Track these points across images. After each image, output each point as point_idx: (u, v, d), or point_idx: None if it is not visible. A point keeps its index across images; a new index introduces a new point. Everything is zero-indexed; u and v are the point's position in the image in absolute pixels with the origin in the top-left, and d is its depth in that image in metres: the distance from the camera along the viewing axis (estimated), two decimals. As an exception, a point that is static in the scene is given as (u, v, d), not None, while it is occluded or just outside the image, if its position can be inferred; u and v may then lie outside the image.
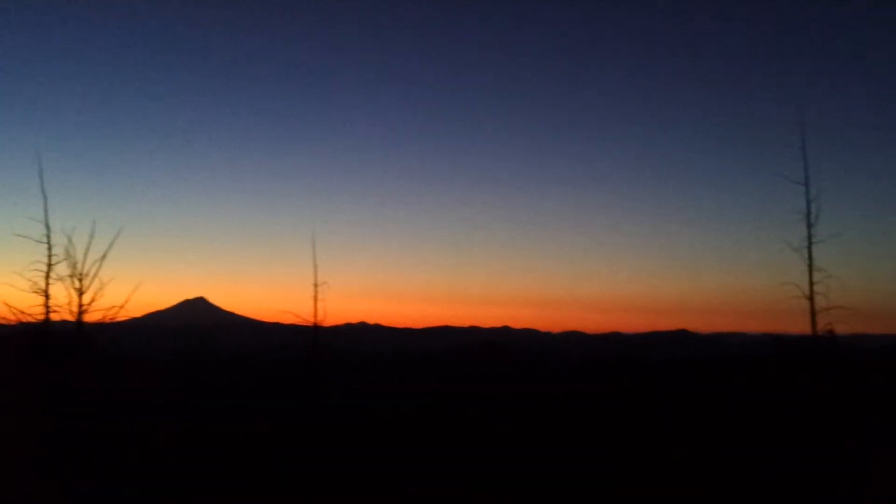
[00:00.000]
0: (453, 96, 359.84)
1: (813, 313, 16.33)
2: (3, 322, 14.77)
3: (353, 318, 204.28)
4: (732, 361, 47.81)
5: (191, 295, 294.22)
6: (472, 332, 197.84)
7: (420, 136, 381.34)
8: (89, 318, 15.14)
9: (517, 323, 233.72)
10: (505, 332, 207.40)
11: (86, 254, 14.96)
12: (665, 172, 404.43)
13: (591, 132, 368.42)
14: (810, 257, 16.60)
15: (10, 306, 14.61)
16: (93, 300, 15.06)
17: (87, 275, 14.96)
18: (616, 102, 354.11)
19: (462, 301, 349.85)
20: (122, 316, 15.60)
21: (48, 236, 14.83)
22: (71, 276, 14.88)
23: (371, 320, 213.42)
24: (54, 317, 14.88)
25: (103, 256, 15.07)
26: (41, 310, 14.71)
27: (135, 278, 18.50)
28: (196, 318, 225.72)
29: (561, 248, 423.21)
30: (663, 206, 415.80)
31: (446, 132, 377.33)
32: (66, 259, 14.85)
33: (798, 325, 16.46)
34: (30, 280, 14.66)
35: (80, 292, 14.95)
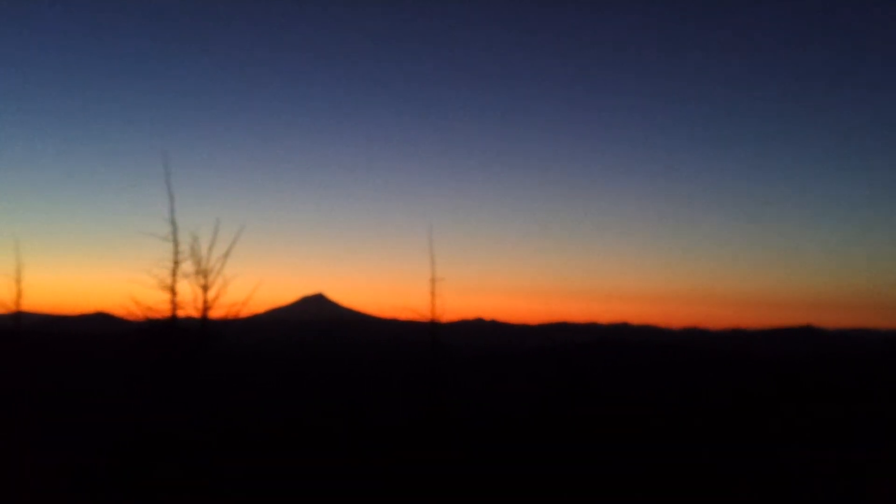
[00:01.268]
0: (574, 93, 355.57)
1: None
2: (132, 318, 15.13)
3: (470, 314, 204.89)
4: (873, 358, 44.91)
5: (310, 291, 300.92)
6: (590, 328, 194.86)
7: (537, 132, 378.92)
8: (213, 314, 15.34)
9: (636, 319, 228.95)
10: (623, 328, 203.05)
11: (210, 251, 15.16)
12: (790, 167, 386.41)
13: (721, 124, 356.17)
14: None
15: (138, 303, 14.99)
16: (217, 297, 15.26)
17: (211, 272, 15.16)
18: (746, 95, 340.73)
19: (579, 297, 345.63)
20: (245, 312, 15.77)
21: (174, 234, 15.06)
22: (196, 273, 15.10)
23: (487, 317, 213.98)
24: (180, 313, 15.12)
25: (226, 254, 15.27)
26: (168, 306, 14.96)
27: (256, 275, 18.70)
28: (315, 314, 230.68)
29: (681, 243, 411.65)
30: (789, 199, 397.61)
31: (565, 126, 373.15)
32: (191, 256, 15.08)
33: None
34: (157, 277, 14.93)
35: (205, 289, 15.15)
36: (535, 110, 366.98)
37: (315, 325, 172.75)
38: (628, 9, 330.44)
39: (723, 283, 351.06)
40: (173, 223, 15.07)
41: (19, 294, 17.97)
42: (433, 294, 18.97)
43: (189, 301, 15.13)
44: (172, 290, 14.91)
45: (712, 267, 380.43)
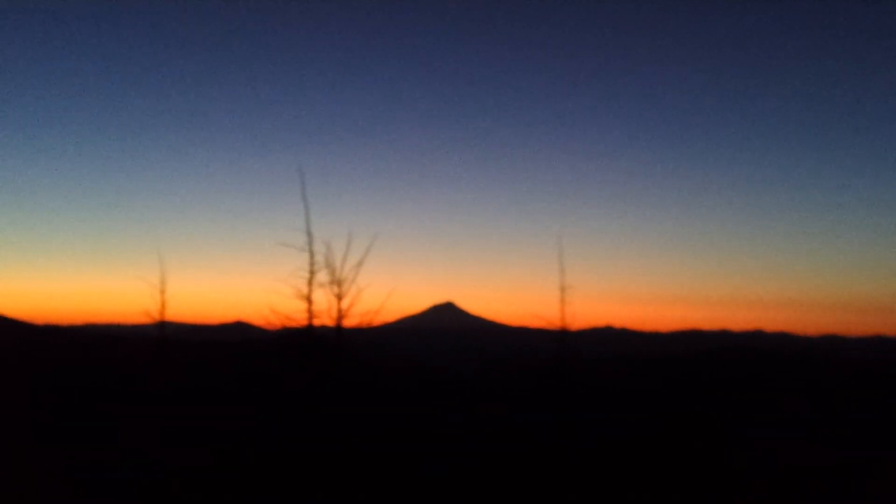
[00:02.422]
0: (707, 97, 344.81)
1: None
2: (270, 327, 15.61)
3: (599, 321, 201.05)
4: None
5: (440, 300, 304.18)
6: (722, 335, 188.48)
7: (667, 136, 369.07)
8: (347, 322, 15.60)
9: (770, 326, 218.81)
10: (757, 335, 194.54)
11: (343, 261, 15.45)
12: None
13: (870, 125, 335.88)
14: None
15: (276, 312, 15.44)
16: (350, 306, 15.51)
17: (344, 281, 15.42)
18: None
19: (711, 303, 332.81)
20: (377, 321, 15.99)
21: (310, 245, 15.41)
22: (330, 282, 15.40)
23: (617, 324, 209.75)
24: (316, 322, 15.45)
25: (359, 263, 15.50)
26: (305, 315, 15.35)
27: (387, 283, 18.93)
28: (445, 322, 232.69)
29: (820, 247, 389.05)
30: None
31: (693, 129, 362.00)
32: (325, 266, 15.39)
33: None
34: (293, 287, 15.34)
35: (339, 298, 15.43)
36: (667, 114, 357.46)
37: (445, 333, 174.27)
38: None
39: (864, 288, 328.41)
40: (309, 234, 15.45)
41: (164, 304, 18.86)
42: (562, 302, 18.70)
43: (324, 310, 15.47)
44: (309, 300, 15.28)
45: (853, 272, 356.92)
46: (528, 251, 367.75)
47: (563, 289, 18.62)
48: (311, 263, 15.33)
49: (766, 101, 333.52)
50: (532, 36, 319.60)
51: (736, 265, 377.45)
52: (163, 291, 18.86)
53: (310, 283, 15.29)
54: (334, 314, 15.45)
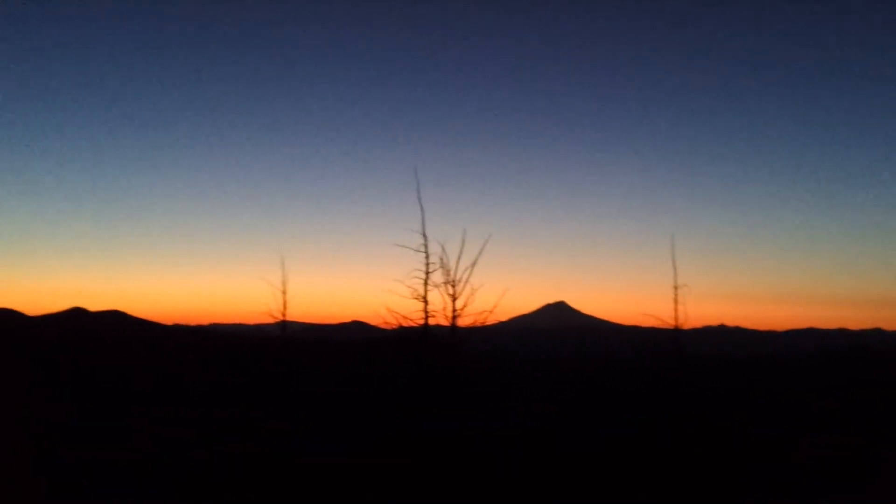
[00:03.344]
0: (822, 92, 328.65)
1: None
2: (387, 326, 15.96)
3: (713, 320, 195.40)
4: None
5: (552, 299, 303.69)
6: (840, 334, 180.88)
7: (782, 134, 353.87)
8: (461, 322, 15.74)
9: (890, 325, 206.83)
10: (876, 334, 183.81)
11: (458, 261, 15.59)
12: None
13: None
14: None
15: (392, 311, 15.74)
16: (465, 305, 15.65)
17: (459, 281, 15.57)
18: None
19: (827, 302, 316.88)
20: (491, 320, 16.08)
21: (426, 246, 15.64)
22: (445, 282, 15.59)
23: (731, 323, 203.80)
24: (431, 321, 15.68)
25: (473, 263, 15.60)
26: (420, 315, 15.61)
27: (500, 283, 18.97)
28: (557, 321, 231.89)
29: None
30: None
31: (809, 128, 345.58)
32: (440, 267, 15.58)
33: None
34: (409, 287, 15.60)
35: (454, 298, 15.61)
36: (784, 113, 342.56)
37: (557, 332, 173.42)
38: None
39: None
40: (424, 235, 15.66)
41: (285, 304, 19.39)
42: (676, 301, 18.29)
43: (439, 310, 15.68)
44: (425, 300, 15.53)
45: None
46: (640, 250, 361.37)
47: (676, 288, 18.24)
48: (427, 264, 15.55)
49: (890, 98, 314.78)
50: (665, 38, 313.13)
51: (854, 263, 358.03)
52: (284, 292, 19.18)
53: (425, 283, 15.52)
54: (449, 314, 15.64)
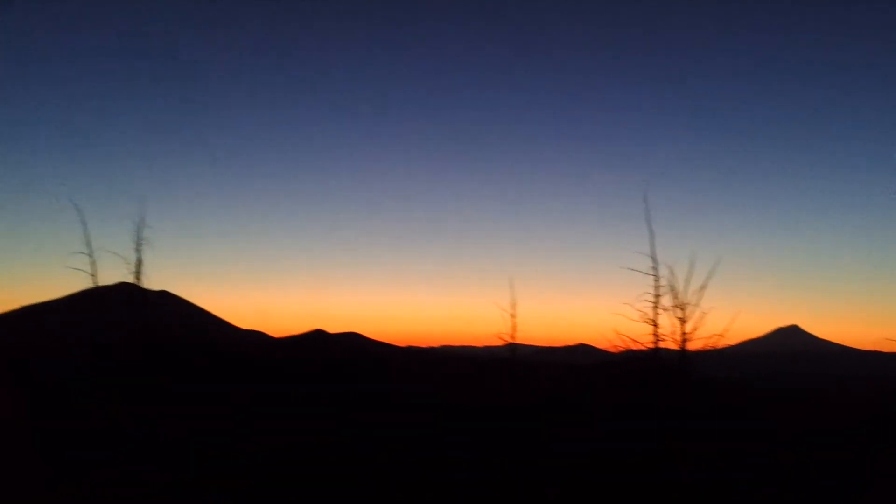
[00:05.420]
0: None
1: None
2: (614, 349, 16.22)
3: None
4: None
5: (784, 323, 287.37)
6: None
7: None
8: (691, 346, 15.57)
9: None
10: None
11: (687, 284, 15.52)
12: None
13: None
14: None
15: (620, 335, 15.92)
16: (695, 329, 15.50)
17: (688, 304, 15.47)
18: None
19: None
20: (721, 344, 15.86)
21: (655, 269, 15.73)
22: (674, 305, 15.54)
23: None
24: (660, 345, 15.68)
25: (703, 286, 15.50)
26: (650, 338, 15.67)
27: (730, 306, 18.62)
28: (788, 345, 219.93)
29: None
30: None
31: None
32: (669, 290, 15.58)
33: None
34: (638, 310, 15.71)
35: (683, 321, 15.51)
36: None
37: (789, 356, 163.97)
38: None
39: None
40: (653, 258, 15.77)
41: (514, 327, 19.85)
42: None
43: (668, 333, 15.64)
44: (654, 323, 15.60)
45: None
46: (880, 272, 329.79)
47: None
48: (656, 287, 15.63)
49: None
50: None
51: None
52: (513, 315, 19.56)
53: (655, 306, 15.59)
54: (678, 337, 15.53)
